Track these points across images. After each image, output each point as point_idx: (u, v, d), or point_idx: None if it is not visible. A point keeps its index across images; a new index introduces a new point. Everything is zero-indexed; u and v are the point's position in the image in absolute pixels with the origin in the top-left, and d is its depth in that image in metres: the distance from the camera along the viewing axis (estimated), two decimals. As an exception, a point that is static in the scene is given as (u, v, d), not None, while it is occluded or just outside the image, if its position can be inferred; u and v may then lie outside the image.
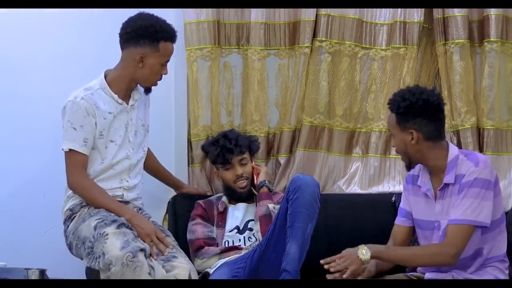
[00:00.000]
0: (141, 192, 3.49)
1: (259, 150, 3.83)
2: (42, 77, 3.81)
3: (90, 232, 3.13)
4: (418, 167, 3.25)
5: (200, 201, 3.71)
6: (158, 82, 3.40)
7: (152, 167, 3.71)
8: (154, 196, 3.84)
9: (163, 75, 3.38)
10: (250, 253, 3.38)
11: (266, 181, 3.66)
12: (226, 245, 3.53)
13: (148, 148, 3.59)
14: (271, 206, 3.53)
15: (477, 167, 3.06)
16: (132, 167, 3.40)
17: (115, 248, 2.99)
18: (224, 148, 3.64)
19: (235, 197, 3.70)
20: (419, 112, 3.09)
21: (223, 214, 3.66)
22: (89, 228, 3.14)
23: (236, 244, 3.53)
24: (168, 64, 3.37)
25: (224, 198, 3.71)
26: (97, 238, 3.07)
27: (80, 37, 3.84)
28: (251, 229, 3.59)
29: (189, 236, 3.59)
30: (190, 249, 3.55)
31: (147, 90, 3.44)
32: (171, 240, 3.30)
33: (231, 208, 3.69)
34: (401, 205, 3.33)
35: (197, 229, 3.57)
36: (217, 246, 3.53)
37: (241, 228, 3.61)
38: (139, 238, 3.13)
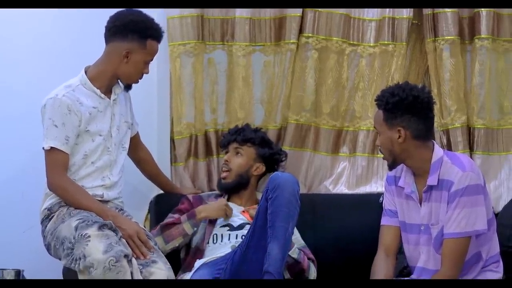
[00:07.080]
0: (122, 190, 3.42)
1: (260, 146, 3.69)
2: (22, 74, 3.73)
3: (70, 233, 3.04)
4: (400, 167, 3.17)
5: (190, 196, 3.65)
6: (139, 80, 3.37)
7: (151, 172, 3.70)
8: (135, 194, 3.77)
9: (145, 74, 3.35)
10: (230, 254, 3.31)
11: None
12: (213, 240, 3.46)
13: (149, 152, 3.64)
14: None
15: (464, 172, 2.97)
16: (113, 163, 3.33)
17: (98, 251, 2.92)
18: (227, 134, 3.69)
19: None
20: (408, 109, 3.00)
21: None
22: (69, 229, 3.06)
23: (225, 240, 3.45)
24: (150, 60, 3.34)
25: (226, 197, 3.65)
26: (78, 239, 2.99)
27: (60, 33, 3.77)
28: (243, 230, 3.49)
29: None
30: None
31: (127, 87, 3.41)
32: (152, 243, 3.22)
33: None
34: (387, 206, 3.23)
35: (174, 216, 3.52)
36: (203, 242, 3.46)
37: (235, 226, 3.52)
38: (123, 240, 3.06)
